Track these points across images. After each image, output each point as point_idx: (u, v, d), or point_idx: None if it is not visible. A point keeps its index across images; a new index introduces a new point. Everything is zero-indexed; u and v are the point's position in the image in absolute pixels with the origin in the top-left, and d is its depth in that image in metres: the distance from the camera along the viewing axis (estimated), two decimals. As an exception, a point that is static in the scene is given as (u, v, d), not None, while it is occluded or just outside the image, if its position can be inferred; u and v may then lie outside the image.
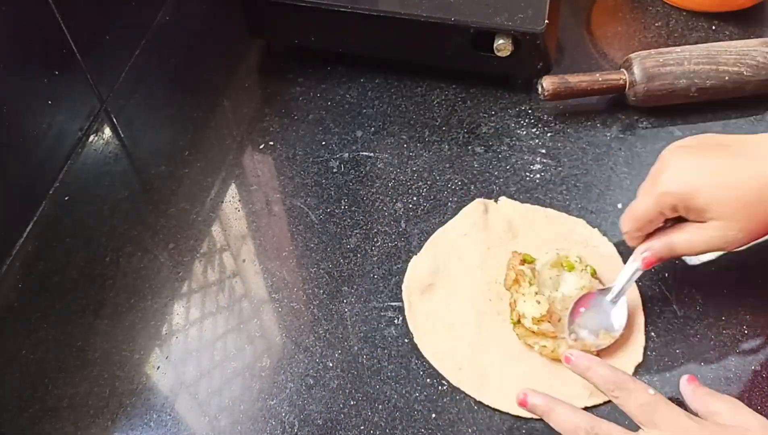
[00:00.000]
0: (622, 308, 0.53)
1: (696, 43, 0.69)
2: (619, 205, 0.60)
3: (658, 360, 0.52)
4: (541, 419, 0.50)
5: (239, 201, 0.64)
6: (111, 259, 0.60)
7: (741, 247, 0.48)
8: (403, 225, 0.61)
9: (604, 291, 0.53)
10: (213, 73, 0.75)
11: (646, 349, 0.52)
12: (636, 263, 0.51)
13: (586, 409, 0.50)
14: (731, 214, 0.47)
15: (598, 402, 0.50)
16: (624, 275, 0.52)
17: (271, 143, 0.68)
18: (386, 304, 0.56)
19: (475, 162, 0.65)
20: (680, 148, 0.50)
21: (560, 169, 0.63)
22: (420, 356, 0.53)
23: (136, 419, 0.52)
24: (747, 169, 0.47)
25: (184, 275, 0.59)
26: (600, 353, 0.52)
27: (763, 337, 0.53)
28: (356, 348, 0.54)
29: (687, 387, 0.49)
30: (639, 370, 0.52)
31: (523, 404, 0.48)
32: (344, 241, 0.60)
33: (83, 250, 0.61)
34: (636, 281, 0.55)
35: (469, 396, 0.51)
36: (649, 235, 0.51)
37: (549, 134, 0.66)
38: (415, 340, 0.54)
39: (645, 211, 0.50)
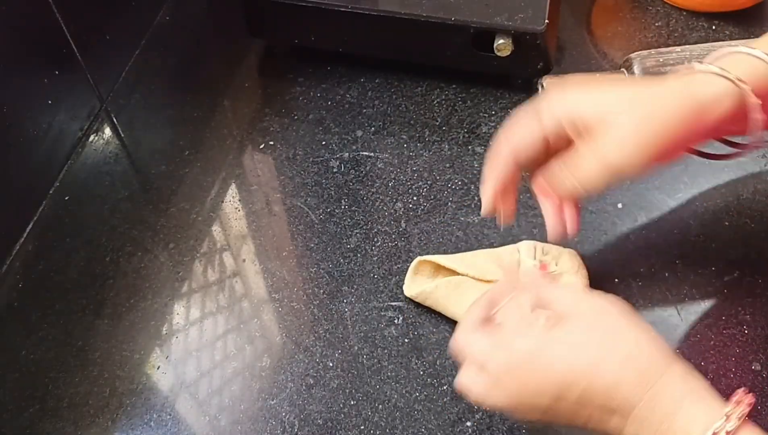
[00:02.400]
0: None
1: (696, 42, 0.69)
2: (620, 205, 0.60)
3: (658, 360, 0.52)
4: (541, 419, 0.50)
5: (239, 201, 0.64)
6: (111, 259, 0.60)
7: (638, 171, 0.42)
8: (403, 225, 0.61)
9: None
10: (213, 73, 0.75)
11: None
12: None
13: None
14: (628, 123, 0.41)
15: None
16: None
17: (272, 143, 0.68)
18: (386, 304, 0.56)
19: (475, 162, 0.65)
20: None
21: (560, 168, 0.63)
22: (420, 356, 0.53)
23: (137, 419, 0.52)
24: (639, 84, 0.43)
25: (184, 275, 0.59)
26: None
27: (763, 337, 0.53)
28: (356, 348, 0.54)
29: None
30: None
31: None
32: (344, 240, 0.60)
33: (83, 250, 0.61)
34: (638, 281, 0.56)
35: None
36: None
37: (549, 134, 0.66)
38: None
39: (527, 129, 0.42)
